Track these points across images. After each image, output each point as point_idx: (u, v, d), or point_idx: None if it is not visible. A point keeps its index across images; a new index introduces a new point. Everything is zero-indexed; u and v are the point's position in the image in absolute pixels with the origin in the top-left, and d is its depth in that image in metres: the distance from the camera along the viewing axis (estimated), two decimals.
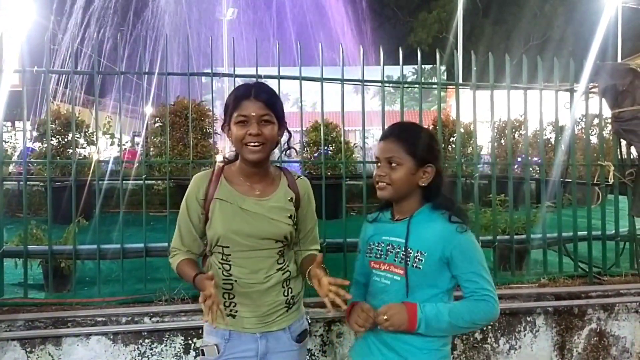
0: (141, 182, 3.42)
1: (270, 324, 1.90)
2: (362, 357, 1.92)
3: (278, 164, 2.02)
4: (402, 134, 1.84)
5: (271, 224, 1.86)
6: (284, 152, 2.16)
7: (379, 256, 1.88)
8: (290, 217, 1.91)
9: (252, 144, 1.79)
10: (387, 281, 1.85)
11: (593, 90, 3.73)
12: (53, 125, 6.92)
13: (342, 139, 3.75)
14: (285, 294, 1.92)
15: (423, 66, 3.56)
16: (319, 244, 2.10)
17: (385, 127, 3.45)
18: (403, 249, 1.79)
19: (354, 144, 8.21)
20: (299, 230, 1.99)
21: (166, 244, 3.18)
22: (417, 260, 1.76)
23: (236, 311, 1.88)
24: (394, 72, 3.58)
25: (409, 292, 1.78)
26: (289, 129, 1.98)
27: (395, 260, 1.82)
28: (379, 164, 1.86)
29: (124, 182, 3.33)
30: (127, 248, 3.23)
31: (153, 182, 7.71)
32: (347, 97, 3.50)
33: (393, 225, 1.88)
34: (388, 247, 1.85)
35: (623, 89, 3.53)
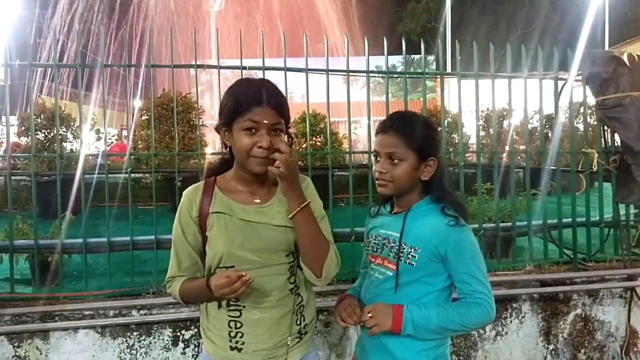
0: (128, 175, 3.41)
1: (279, 357, 1.69)
2: (360, 356, 1.89)
3: None
4: (404, 127, 1.72)
5: (277, 231, 1.66)
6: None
7: (375, 250, 1.83)
8: None
9: (261, 156, 1.59)
10: (380, 275, 1.80)
11: (577, 78, 3.76)
12: (39, 120, 6.86)
13: (329, 129, 3.75)
14: (298, 322, 1.73)
15: (412, 56, 3.57)
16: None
17: (372, 117, 3.49)
18: (397, 244, 1.73)
19: (343, 134, 8.20)
20: None
21: (153, 237, 3.18)
22: (410, 256, 1.70)
23: (242, 343, 1.66)
24: (383, 62, 3.57)
25: (398, 288, 1.73)
26: None
27: (389, 255, 1.76)
28: (378, 159, 1.76)
29: (112, 175, 3.31)
30: (114, 241, 3.22)
31: (141, 175, 7.66)
32: (336, 88, 3.48)
33: (391, 218, 1.82)
34: (384, 241, 1.79)
35: (606, 76, 3.55)
